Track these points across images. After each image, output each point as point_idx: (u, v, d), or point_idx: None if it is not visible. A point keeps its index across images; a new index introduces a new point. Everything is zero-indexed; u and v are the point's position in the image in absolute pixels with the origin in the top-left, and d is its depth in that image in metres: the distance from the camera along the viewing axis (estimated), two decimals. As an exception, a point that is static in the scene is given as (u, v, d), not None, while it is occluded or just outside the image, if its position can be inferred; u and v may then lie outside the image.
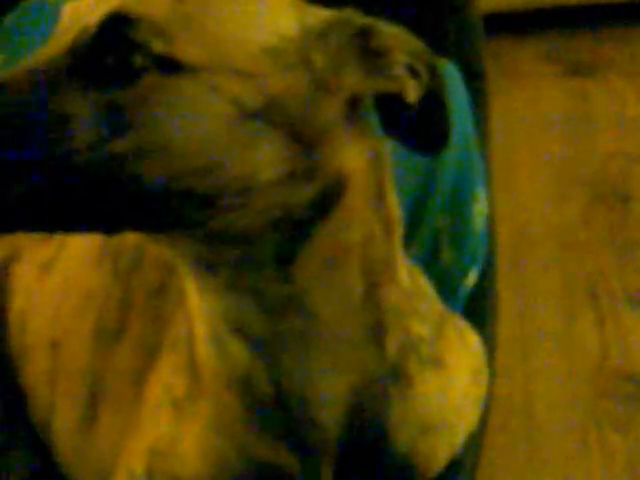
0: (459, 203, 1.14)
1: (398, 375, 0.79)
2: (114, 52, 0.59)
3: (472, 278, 1.15)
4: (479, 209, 1.15)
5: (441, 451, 0.85)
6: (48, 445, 1.01)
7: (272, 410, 0.75)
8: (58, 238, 1.04)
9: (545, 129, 2.07)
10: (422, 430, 0.82)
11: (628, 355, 1.61)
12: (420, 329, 0.81)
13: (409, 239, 1.09)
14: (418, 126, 0.71)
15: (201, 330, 0.75)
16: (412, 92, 0.68)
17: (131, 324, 0.92)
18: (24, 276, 1.04)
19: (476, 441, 1.01)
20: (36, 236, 1.06)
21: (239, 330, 0.72)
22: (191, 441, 0.80)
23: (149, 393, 0.86)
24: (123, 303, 0.93)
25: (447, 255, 1.13)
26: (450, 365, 0.84)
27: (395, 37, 0.67)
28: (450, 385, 0.84)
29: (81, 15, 0.63)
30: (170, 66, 0.59)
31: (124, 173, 0.59)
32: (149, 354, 0.89)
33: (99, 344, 0.93)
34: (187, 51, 0.60)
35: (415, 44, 0.68)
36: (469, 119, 1.17)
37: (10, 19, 1.36)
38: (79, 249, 1.00)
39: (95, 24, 0.60)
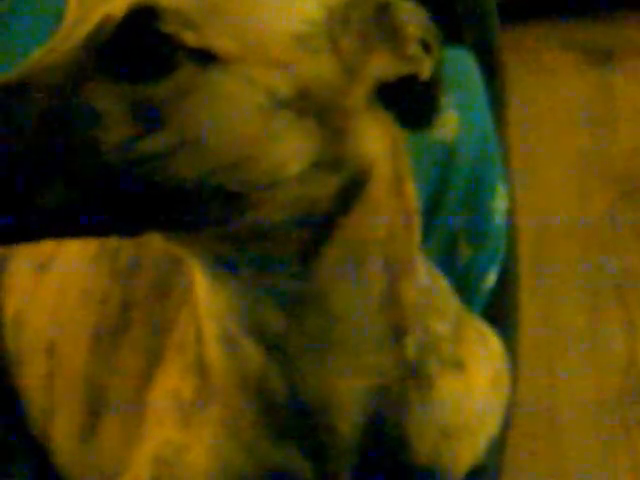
0: (477, 199, 1.13)
1: (418, 376, 0.79)
2: (144, 45, 0.59)
3: (491, 278, 1.14)
4: (498, 205, 1.15)
5: (463, 458, 0.85)
6: (47, 453, 1.00)
7: (287, 415, 0.75)
8: None
9: (566, 121, 2.06)
10: (443, 436, 0.82)
11: None
12: (440, 327, 0.80)
13: (424, 237, 1.08)
14: (408, 98, 0.70)
15: (212, 331, 0.75)
16: (426, 70, 0.68)
17: (132, 327, 0.92)
18: (20, 275, 1.04)
19: (499, 447, 1.01)
20: None
21: (255, 331, 0.72)
22: (200, 448, 0.79)
23: (153, 399, 0.85)
24: (123, 304, 0.93)
25: (464, 254, 1.13)
26: (471, 368, 0.84)
27: (409, 10, 0.67)
28: (471, 389, 0.84)
29: (93, 3, 0.62)
30: (204, 58, 0.59)
31: (155, 172, 0.59)
32: (152, 358, 0.88)
33: (98, 348, 0.93)
34: (219, 42, 0.59)
35: (424, 16, 0.68)
36: (486, 111, 1.16)
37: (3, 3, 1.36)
38: (77, 246, 1.00)
39: (120, 15, 0.59)
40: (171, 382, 0.83)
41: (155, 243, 0.95)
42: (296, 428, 0.76)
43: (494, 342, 0.90)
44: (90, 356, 0.94)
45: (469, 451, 0.85)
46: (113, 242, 0.98)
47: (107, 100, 0.59)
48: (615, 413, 1.52)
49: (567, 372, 1.60)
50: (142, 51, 0.59)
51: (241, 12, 0.61)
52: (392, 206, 0.71)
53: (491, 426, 0.87)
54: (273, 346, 0.72)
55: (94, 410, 0.93)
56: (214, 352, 0.76)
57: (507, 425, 1.01)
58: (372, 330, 0.74)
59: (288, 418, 0.75)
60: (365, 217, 0.69)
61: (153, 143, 0.59)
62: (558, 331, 1.66)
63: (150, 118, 0.59)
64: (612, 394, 1.54)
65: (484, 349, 0.87)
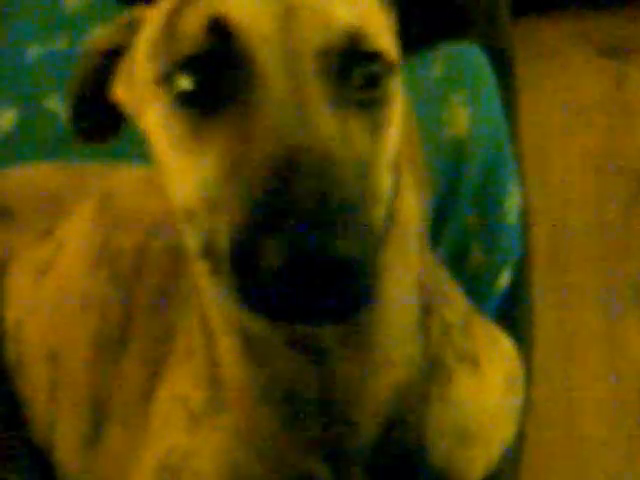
0: (489, 198, 1.14)
1: (438, 368, 0.79)
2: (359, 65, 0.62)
3: (505, 279, 1.14)
4: (511, 204, 1.15)
5: (477, 464, 0.84)
6: (50, 462, 1.00)
7: (311, 418, 0.75)
8: (55, 237, 1.04)
9: (579, 116, 2.05)
10: (459, 439, 0.82)
11: None
12: (451, 316, 0.81)
13: (435, 238, 1.08)
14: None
15: (232, 345, 0.74)
16: None
17: (135, 334, 0.92)
18: (19, 280, 1.04)
19: (514, 454, 1.00)
20: (32, 236, 1.06)
21: (299, 341, 0.70)
22: (209, 455, 0.79)
23: (158, 406, 0.85)
24: (124, 311, 0.93)
25: (477, 255, 1.13)
26: (484, 367, 0.84)
27: None
28: (485, 389, 0.84)
29: (299, 33, 0.62)
30: (390, 68, 0.64)
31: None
32: (155, 365, 0.88)
33: (100, 355, 0.93)
34: (389, 48, 0.65)
35: None
36: (497, 107, 1.16)
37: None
38: (75, 251, 1.00)
39: (340, 43, 0.62)
40: (179, 389, 0.82)
41: (156, 249, 0.95)
42: (318, 431, 0.75)
43: (506, 344, 0.90)
44: (92, 364, 0.94)
45: (483, 457, 0.85)
46: (112, 247, 0.98)
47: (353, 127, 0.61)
48: (635, 417, 1.51)
49: (584, 375, 1.58)
50: (358, 72, 0.62)
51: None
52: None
53: (505, 431, 0.87)
54: (316, 353, 0.71)
55: (98, 419, 0.92)
56: (233, 365, 0.75)
57: (522, 431, 1.00)
58: (410, 315, 0.75)
59: (312, 421, 0.75)
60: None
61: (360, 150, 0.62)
62: (575, 334, 1.65)
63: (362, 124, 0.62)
64: (631, 397, 1.53)
65: (496, 350, 0.87)
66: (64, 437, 0.96)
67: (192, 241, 0.63)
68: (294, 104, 0.58)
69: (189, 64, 0.61)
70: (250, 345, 0.72)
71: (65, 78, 0.76)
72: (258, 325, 0.69)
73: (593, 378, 1.57)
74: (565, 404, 1.54)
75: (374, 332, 0.73)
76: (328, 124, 0.58)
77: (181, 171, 0.62)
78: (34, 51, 1.37)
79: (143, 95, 0.66)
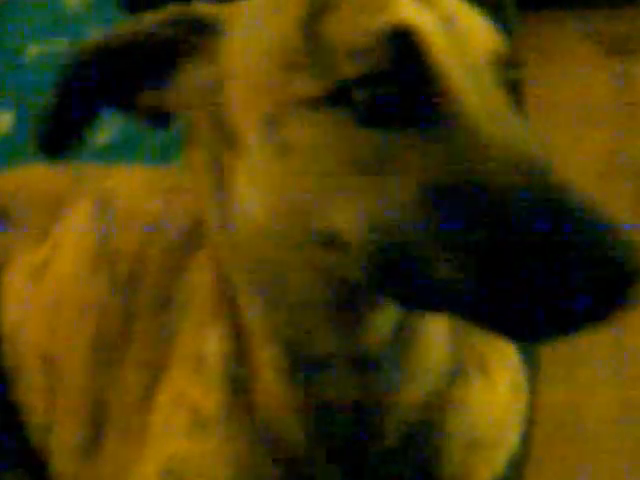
0: None
1: (460, 371, 0.79)
2: None
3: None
4: None
5: (485, 470, 0.84)
6: (46, 467, 1.00)
7: (340, 426, 0.75)
8: (52, 237, 1.03)
9: (586, 116, 2.05)
10: (470, 447, 0.81)
11: None
12: None
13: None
14: None
15: (275, 361, 0.73)
16: None
17: (134, 339, 0.91)
18: (16, 283, 1.04)
19: (519, 460, 0.99)
20: (29, 238, 1.05)
21: (352, 355, 0.71)
22: (223, 461, 0.79)
23: (158, 412, 0.84)
24: (123, 316, 0.92)
25: None
26: (493, 373, 0.84)
27: None
28: (495, 396, 0.84)
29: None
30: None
31: None
32: (155, 370, 0.88)
33: (99, 360, 0.93)
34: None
35: None
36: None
37: None
38: (72, 253, 1.00)
39: (498, 45, 0.63)
40: (185, 395, 0.82)
41: (155, 251, 0.94)
42: (345, 444, 0.75)
43: (508, 350, 0.89)
44: (90, 370, 0.93)
45: (491, 463, 0.84)
46: (110, 249, 0.97)
47: None
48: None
49: (591, 378, 1.58)
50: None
51: None
52: None
53: (510, 439, 0.86)
54: (362, 362, 0.71)
55: (96, 424, 0.92)
56: (270, 378, 0.74)
57: (527, 440, 1.00)
58: (444, 320, 0.76)
59: (340, 435, 0.75)
60: None
61: None
62: (580, 341, 1.64)
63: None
64: (637, 402, 1.53)
65: (500, 356, 0.87)
66: (62, 443, 0.95)
67: (341, 267, 0.63)
68: (493, 117, 0.58)
69: (367, 80, 0.59)
70: (298, 359, 0.72)
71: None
72: (325, 344, 0.70)
73: (599, 381, 1.57)
74: (571, 407, 1.54)
75: (418, 340, 0.73)
76: (526, 133, 0.58)
77: (356, 191, 0.60)
78: (33, 51, 1.37)
79: (263, 107, 0.63)
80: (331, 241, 0.62)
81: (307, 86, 0.61)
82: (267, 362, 0.74)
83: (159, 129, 0.71)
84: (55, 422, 0.96)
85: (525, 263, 0.53)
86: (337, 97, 0.59)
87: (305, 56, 0.61)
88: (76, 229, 1.01)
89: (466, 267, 0.55)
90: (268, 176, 0.63)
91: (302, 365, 0.72)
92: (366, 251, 0.60)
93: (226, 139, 0.66)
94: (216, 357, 0.79)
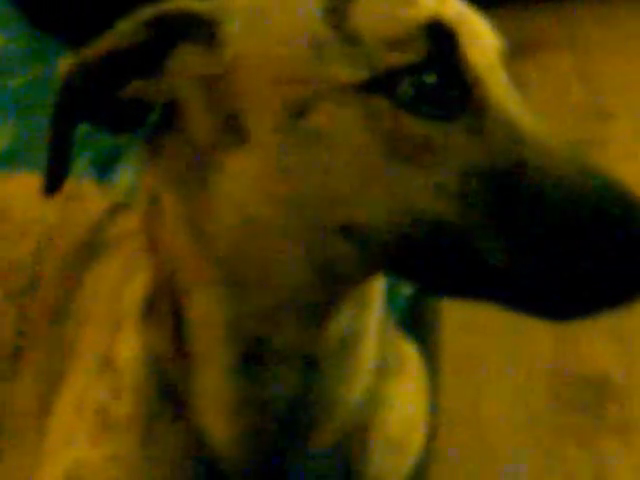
0: None
1: (383, 368, 0.81)
2: None
3: (408, 287, 1.15)
4: None
5: (398, 470, 0.85)
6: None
7: (274, 428, 0.75)
8: None
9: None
10: (388, 445, 0.83)
11: (583, 360, 1.63)
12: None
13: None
14: None
15: (220, 361, 0.73)
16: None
17: (29, 350, 0.90)
18: None
19: (423, 461, 1.00)
20: None
21: (300, 354, 0.72)
22: (131, 465, 0.78)
23: (57, 420, 0.83)
24: (18, 327, 0.91)
25: None
26: (406, 372, 0.86)
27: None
28: (407, 394, 0.85)
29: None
30: None
31: None
32: (52, 380, 0.87)
33: None
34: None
35: None
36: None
37: None
38: None
39: (502, 39, 0.68)
40: (89, 401, 0.81)
41: (51, 261, 0.93)
42: (273, 446, 0.76)
43: (412, 351, 0.90)
44: None
45: (402, 464, 0.85)
46: (6, 262, 0.95)
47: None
48: (544, 420, 1.53)
49: (493, 380, 1.60)
50: None
51: None
52: None
53: (419, 439, 0.88)
54: (309, 361, 0.72)
55: None
56: (213, 378, 0.74)
57: (431, 439, 1.01)
58: (381, 319, 0.79)
59: (271, 437, 0.75)
60: None
61: None
62: (483, 337, 1.67)
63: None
64: (541, 401, 1.56)
65: (410, 357, 0.88)
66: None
67: (355, 253, 0.64)
68: (519, 109, 0.62)
69: (407, 70, 0.60)
70: (251, 357, 0.72)
71: None
72: (283, 337, 0.71)
73: (502, 382, 1.60)
74: (474, 410, 1.56)
75: (361, 338, 0.74)
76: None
77: (391, 180, 0.61)
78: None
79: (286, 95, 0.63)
80: (348, 232, 0.63)
81: (342, 73, 0.61)
82: (214, 362, 0.73)
83: (124, 133, 0.71)
84: None
85: (576, 243, 0.57)
86: (375, 84, 0.60)
87: (335, 44, 0.62)
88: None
89: (511, 246, 0.59)
90: (285, 167, 0.63)
91: (253, 363, 0.72)
92: (396, 239, 0.61)
93: (226, 131, 0.65)
94: (131, 360, 0.78)
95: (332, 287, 0.67)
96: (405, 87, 0.60)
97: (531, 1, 2.64)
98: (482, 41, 0.65)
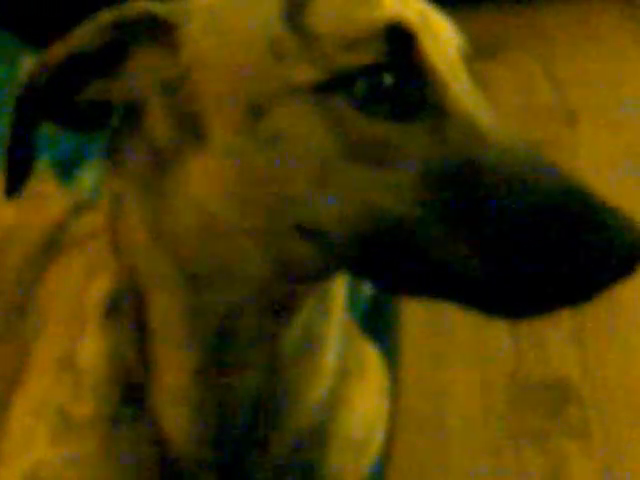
0: None
1: (344, 370, 0.83)
2: None
3: (369, 287, 1.15)
4: None
5: (356, 471, 0.86)
6: None
7: (236, 428, 0.76)
8: None
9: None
10: (347, 446, 0.84)
11: (543, 363, 1.63)
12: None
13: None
14: None
15: (184, 364, 0.74)
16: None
17: None
18: None
19: (382, 461, 1.01)
20: None
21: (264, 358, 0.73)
22: (93, 465, 0.78)
23: (15, 421, 0.83)
24: None
25: None
26: (366, 374, 0.87)
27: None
28: (367, 396, 0.86)
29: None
30: None
31: None
32: (9, 382, 0.87)
33: None
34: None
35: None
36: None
37: None
38: None
39: (462, 38, 0.68)
40: (50, 401, 0.81)
41: (12, 259, 0.93)
42: (234, 446, 0.77)
43: (373, 352, 0.91)
44: None
45: (360, 465, 0.86)
46: None
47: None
48: (503, 421, 1.53)
49: (454, 380, 1.60)
50: None
51: None
52: None
53: (378, 440, 0.89)
54: (272, 359, 0.73)
55: None
56: (175, 379, 0.75)
57: (390, 437, 1.02)
58: (342, 321, 0.80)
59: (232, 438, 0.76)
60: None
61: None
62: (444, 339, 1.67)
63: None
64: (500, 402, 1.56)
65: (370, 359, 0.89)
66: None
67: (310, 252, 0.64)
68: (478, 107, 0.62)
69: (365, 70, 0.60)
70: (214, 358, 0.72)
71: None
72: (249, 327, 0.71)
73: (462, 383, 1.59)
74: (435, 409, 1.55)
75: (323, 340, 0.75)
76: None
77: (355, 180, 0.61)
78: None
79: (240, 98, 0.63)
80: (305, 231, 0.63)
81: (299, 74, 0.61)
82: (176, 363, 0.73)
83: (87, 133, 0.71)
84: None
85: (534, 241, 0.57)
86: (333, 85, 0.60)
87: (293, 45, 0.62)
88: None
89: (474, 248, 0.58)
90: (244, 167, 0.63)
91: (215, 363, 0.72)
92: (353, 239, 0.61)
93: (185, 132, 0.65)
94: (93, 360, 0.78)
95: (292, 285, 0.68)
96: (362, 88, 0.60)
97: (498, 3, 2.65)
98: (443, 41, 0.65)
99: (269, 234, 0.64)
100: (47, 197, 1.01)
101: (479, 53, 2.36)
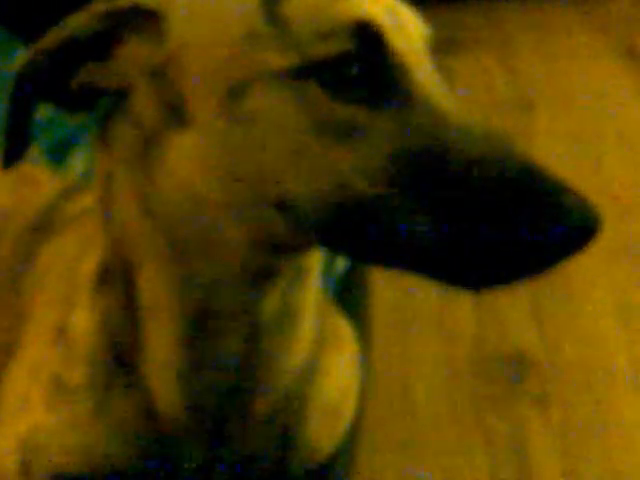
0: None
1: (321, 338, 0.85)
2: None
3: (341, 262, 1.18)
4: None
5: (330, 438, 0.89)
6: None
7: (219, 397, 0.78)
8: None
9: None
10: (323, 413, 0.87)
11: (505, 336, 1.66)
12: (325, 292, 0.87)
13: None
14: None
15: (173, 325, 0.76)
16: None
17: None
18: None
19: (353, 430, 1.03)
20: None
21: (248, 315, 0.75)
22: (86, 430, 0.81)
23: (11, 386, 0.85)
24: None
25: None
26: (341, 343, 0.89)
27: None
28: (342, 364, 0.89)
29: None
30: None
31: None
32: (6, 350, 0.89)
33: None
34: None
35: None
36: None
37: None
38: None
39: (428, 29, 0.70)
40: (45, 368, 0.83)
41: (6, 239, 0.96)
42: (217, 416, 0.79)
43: (343, 322, 0.94)
44: None
45: (335, 432, 0.89)
46: None
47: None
48: (467, 393, 1.56)
49: (420, 353, 1.63)
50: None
51: None
52: None
53: (351, 408, 0.92)
54: (253, 328, 0.76)
55: None
56: (162, 348, 0.77)
57: (362, 407, 1.04)
58: (319, 289, 0.81)
59: (215, 406, 0.79)
60: None
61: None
62: (411, 313, 1.70)
63: None
64: (464, 373, 1.59)
65: (344, 328, 0.92)
66: None
67: (284, 227, 0.67)
68: (442, 93, 0.65)
69: (334, 60, 0.64)
70: (199, 328, 0.75)
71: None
72: (229, 302, 0.74)
73: (428, 355, 1.62)
74: (402, 380, 1.58)
75: (301, 309, 0.78)
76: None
77: (326, 158, 0.64)
78: None
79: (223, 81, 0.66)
80: (282, 206, 0.66)
81: (274, 60, 0.64)
82: (163, 331, 0.76)
83: (80, 113, 0.74)
84: None
85: (491, 213, 0.60)
86: (305, 71, 0.64)
87: (269, 33, 0.65)
88: None
89: (431, 220, 0.62)
90: (224, 146, 0.66)
91: (200, 331, 0.75)
92: (324, 213, 0.65)
93: (170, 114, 0.69)
94: (85, 330, 0.80)
95: (270, 257, 0.71)
96: (333, 75, 0.63)
97: (461, 1, 2.67)
98: (410, 32, 0.68)
99: (248, 208, 0.67)
100: (40, 182, 1.03)
101: (444, 49, 2.37)
